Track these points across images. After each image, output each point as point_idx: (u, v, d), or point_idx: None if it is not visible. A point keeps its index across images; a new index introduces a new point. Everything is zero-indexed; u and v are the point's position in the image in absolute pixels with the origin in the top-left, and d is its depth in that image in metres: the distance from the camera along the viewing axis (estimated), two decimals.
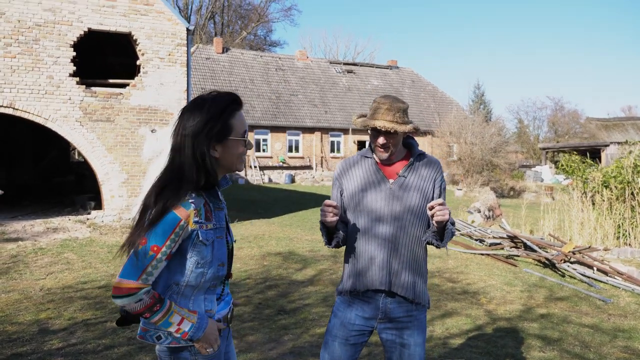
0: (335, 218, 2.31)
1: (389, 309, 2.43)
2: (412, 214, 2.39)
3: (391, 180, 2.44)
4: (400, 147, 2.52)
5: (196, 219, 1.80)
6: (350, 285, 2.49)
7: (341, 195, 2.55)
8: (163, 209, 1.76)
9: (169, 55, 11.40)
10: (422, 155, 2.51)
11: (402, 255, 2.39)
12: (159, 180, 1.84)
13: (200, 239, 1.81)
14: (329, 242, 2.48)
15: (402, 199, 2.40)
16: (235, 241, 2.10)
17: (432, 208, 2.25)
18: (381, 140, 2.39)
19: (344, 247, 2.58)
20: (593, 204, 10.16)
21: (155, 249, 1.72)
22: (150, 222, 1.75)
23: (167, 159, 1.87)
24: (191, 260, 1.82)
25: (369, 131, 2.46)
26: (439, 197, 2.46)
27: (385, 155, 2.44)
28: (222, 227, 1.94)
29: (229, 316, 2.03)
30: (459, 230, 10.71)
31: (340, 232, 2.41)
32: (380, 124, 2.34)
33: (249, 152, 26.25)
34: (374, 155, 2.52)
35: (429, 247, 2.56)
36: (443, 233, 2.36)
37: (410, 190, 2.41)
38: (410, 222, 2.39)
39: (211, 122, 1.81)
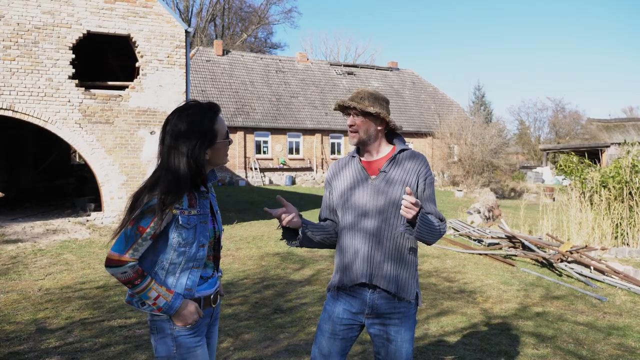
0: (289, 218, 2.41)
1: (376, 304, 2.46)
2: (395, 206, 2.42)
3: (373, 177, 2.49)
4: (384, 144, 2.58)
5: (176, 206, 2.08)
6: (337, 280, 2.54)
7: (330, 195, 2.63)
8: (154, 198, 2.04)
9: (168, 57, 11.45)
10: (405, 150, 2.54)
11: (385, 247, 2.42)
12: (156, 179, 2.11)
13: (180, 222, 2.09)
14: (290, 240, 2.55)
15: (386, 193, 2.44)
16: (222, 230, 2.37)
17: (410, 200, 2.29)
18: (349, 121, 2.52)
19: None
20: (591, 204, 10.17)
21: (141, 229, 2.03)
22: (140, 208, 2.05)
23: (160, 161, 2.16)
24: (174, 241, 2.10)
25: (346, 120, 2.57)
26: (424, 191, 2.49)
27: (354, 140, 2.52)
28: (205, 213, 2.20)
29: (211, 297, 2.26)
30: (457, 231, 10.73)
31: (300, 234, 2.49)
32: (342, 101, 2.50)
33: (249, 154, 25.97)
34: (359, 154, 2.59)
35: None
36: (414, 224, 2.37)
37: (394, 184, 2.44)
38: (393, 215, 2.42)
39: (203, 132, 2.12)
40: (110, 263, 2.02)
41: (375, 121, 2.50)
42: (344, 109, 2.53)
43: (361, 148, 2.58)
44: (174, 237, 2.09)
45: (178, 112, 2.17)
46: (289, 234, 2.54)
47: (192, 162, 2.09)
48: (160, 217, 2.02)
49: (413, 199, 2.25)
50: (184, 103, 2.22)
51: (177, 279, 2.13)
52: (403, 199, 2.27)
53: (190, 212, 2.11)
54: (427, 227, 2.34)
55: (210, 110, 2.18)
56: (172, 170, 2.09)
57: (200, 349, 2.19)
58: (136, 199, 2.09)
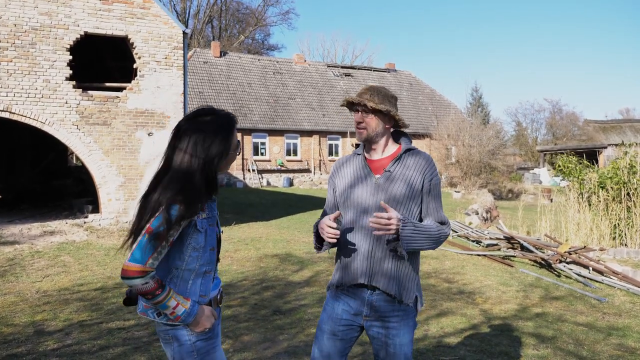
0: (334, 240, 2.35)
1: (375, 305, 2.43)
2: (395, 202, 2.39)
3: (377, 175, 2.46)
4: (391, 142, 2.55)
5: None
6: (337, 279, 2.52)
7: (334, 193, 2.60)
8: (173, 207, 1.96)
9: (166, 58, 11.43)
10: (411, 150, 2.51)
11: (384, 244, 2.39)
12: (168, 184, 2.01)
13: (198, 227, 2.05)
14: (319, 247, 2.54)
15: (387, 190, 2.41)
16: (222, 232, 2.34)
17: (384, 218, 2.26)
18: (357, 117, 2.49)
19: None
20: (589, 204, 10.18)
21: (161, 237, 1.93)
22: (158, 214, 1.96)
23: (168, 165, 2.08)
24: (189, 247, 2.05)
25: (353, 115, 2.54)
26: (429, 192, 2.45)
27: (362, 137, 2.49)
28: (213, 217, 2.18)
29: (218, 297, 2.26)
30: (456, 232, 10.73)
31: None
32: (351, 97, 2.48)
33: (247, 155, 25.97)
34: (364, 152, 2.56)
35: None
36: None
37: (396, 182, 2.42)
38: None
39: (222, 149, 2.10)
40: (129, 274, 1.90)
41: (383, 119, 2.48)
42: (352, 105, 2.50)
43: (367, 145, 2.54)
44: (189, 242, 2.04)
45: (199, 117, 2.12)
46: (319, 239, 2.51)
47: (210, 174, 2.06)
48: (180, 225, 1.96)
49: (384, 214, 2.23)
50: (201, 108, 2.17)
51: (191, 285, 2.09)
52: (374, 215, 2.25)
53: (202, 215, 2.08)
54: (418, 235, 2.29)
55: (232, 121, 2.19)
56: (189, 179, 2.01)
57: (217, 351, 2.18)
58: (147, 202, 2.01)
